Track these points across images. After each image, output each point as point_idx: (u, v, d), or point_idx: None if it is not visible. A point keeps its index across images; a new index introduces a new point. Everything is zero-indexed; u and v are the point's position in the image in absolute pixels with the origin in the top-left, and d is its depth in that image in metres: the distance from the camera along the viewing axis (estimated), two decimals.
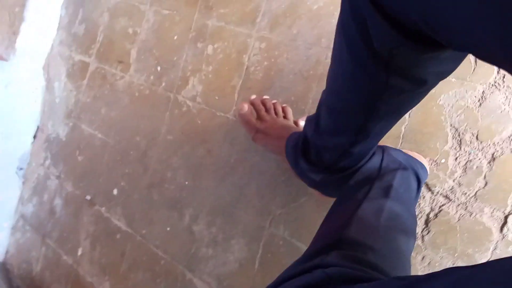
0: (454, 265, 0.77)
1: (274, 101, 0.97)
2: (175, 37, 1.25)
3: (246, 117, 0.91)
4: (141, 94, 1.30)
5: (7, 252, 1.66)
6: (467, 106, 0.80)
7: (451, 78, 0.82)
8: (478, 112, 0.79)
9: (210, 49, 1.17)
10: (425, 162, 0.80)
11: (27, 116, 1.59)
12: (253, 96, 0.97)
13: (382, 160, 0.71)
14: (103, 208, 1.32)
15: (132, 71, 1.34)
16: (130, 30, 1.38)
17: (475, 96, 0.80)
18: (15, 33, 1.56)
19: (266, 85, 1.05)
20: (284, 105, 0.97)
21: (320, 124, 0.66)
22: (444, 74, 0.50)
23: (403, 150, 0.79)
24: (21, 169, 1.60)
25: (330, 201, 0.91)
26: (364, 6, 0.42)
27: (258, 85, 1.06)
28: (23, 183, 1.61)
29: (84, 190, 1.39)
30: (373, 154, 0.73)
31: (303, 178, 0.79)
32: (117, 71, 1.38)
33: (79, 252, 1.36)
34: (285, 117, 0.95)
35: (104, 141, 1.37)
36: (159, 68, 1.27)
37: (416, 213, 0.82)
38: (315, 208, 0.93)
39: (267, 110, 0.94)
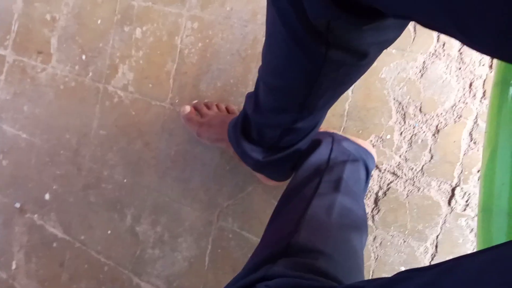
0: (405, 243, 0.76)
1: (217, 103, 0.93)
2: (99, 22, 1.13)
3: (189, 115, 0.89)
4: (67, 86, 1.18)
5: None
6: (409, 78, 0.78)
7: (391, 49, 0.79)
8: (420, 83, 0.77)
9: (138, 32, 1.07)
10: (372, 150, 0.77)
11: None
12: (195, 101, 0.95)
13: (331, 150, 0.67)
14: (36, 216, 1.20)
15: (54, 62, 1.21)
16: (48, 16, 1.23)
17: (416, 67, 0.77)
18: None
19: (203, 68, 0.98)
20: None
21: (260, 102, 0.61)
22: (386, 43, 0.46)
23: (351, 138, 0.75)
24: None
25: (277, 188, 0.87)
26: None
27: (194, 69, 0.99)
28: None
29: (13, 197, 1.26)
30: (322, 143, 0.69)
31: (246, 160, 0.74)
32: (38, 63, 1.24)
33: (13, 266, 1.23)
34: (229, 113, 0.90)
35: (30, 142, 1.23)
36: (84, 57, 1.15)
37: (365, 193, 0.79)
38: (264, 196, 0.88)
39: (209, 108, 0.91)
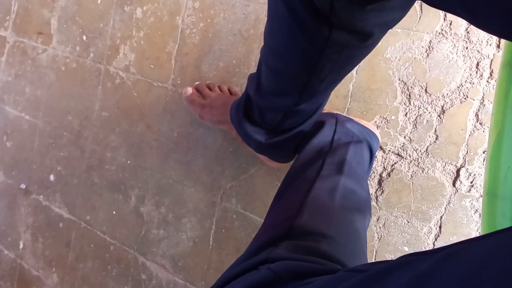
0: (409, 223, 0.76)
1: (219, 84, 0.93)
2: (99, 1, 1.11)
3: (191, 97, 0.88)
4: (68, 68, 1.17)
5: None
6: (414, 58, 0.76)
7: (397, 28, 0.77)
8: (426, 63, 0.75)
9: (139, 12, 1.05)
10: (376, 131, 0.76)
11: None
12: (197, 83, 0.94)
13: (334, 132, 0.66)
14: (41, 197, 1.21)
15: (55, 43, 1.19)
16: None
17: (422, 47, 0.76)
18: None
19: (205, 49, 0.96)
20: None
21: (262, 84, 0.60)
22: (390, 24, 0.45)
23: (355, 119, 0.75)
24: None
25: (280, 169, 0.87)
26: None
27: (195, 50, 0.97)
28: None
29: (17, 178, 1.27)
30: (325, 124, 0.68)
31: (249, 142, 0.74)
32: (38, 44, 1.23)
33: (21, 246, 1.25)
34: (231, 94, 0.89)
35: (33, 123, 1.23)
36: (84, 38, 1.14)
37: (369, 174, 0.79)
38: (266, 178, 0.88)
39: (211, 89, 0.90)
